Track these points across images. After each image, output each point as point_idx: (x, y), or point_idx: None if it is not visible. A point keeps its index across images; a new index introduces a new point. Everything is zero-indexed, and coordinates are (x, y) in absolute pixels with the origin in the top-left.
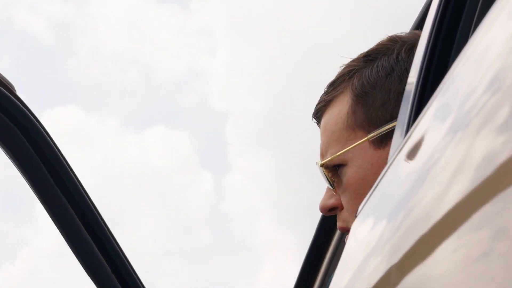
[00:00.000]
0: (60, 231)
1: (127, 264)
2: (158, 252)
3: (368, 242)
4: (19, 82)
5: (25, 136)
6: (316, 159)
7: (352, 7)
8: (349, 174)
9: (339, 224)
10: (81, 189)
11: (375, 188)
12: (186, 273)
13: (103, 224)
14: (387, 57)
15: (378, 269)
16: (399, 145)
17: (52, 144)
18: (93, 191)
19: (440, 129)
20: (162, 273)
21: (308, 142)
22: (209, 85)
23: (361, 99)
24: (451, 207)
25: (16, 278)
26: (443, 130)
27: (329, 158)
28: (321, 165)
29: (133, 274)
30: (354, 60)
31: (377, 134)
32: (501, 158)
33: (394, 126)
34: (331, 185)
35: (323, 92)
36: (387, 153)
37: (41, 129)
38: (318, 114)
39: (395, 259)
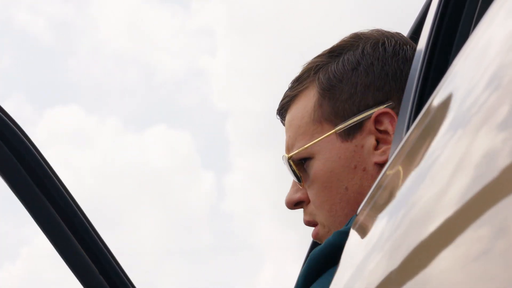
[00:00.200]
0: (44, 233)
1: (115, 264)
2: (158, 252)
3: (368, 241)
4: (19, 82)
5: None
6: None
7: (352, 7)
8: (316, 167)
9: (305, 218)
10: (63, 189)
11: (375, 187)
12: (186, 273)
13: (88, 224)
14: (353, 52)
15: (378, 267)
16: (400, 143)
17: (29, 144)
18: (94, 191)
19: (441, 127)
20: (162, 273)
21: None
22: (209, 85)
23: (328, 92)
24: (451, 205)
25: (16, 278)
26: (444, 128)
27: (296, 151)
28: (289, 158)
29: (122, 274)
30: (318, 56)
31: (344, 127)
32: (502, 155)
33: (361, 118)
34: (298, 178)
35: (287, 88)
36: (355, 146)
37: (15, 128)
38: (283, 110)
39: (395, 257)
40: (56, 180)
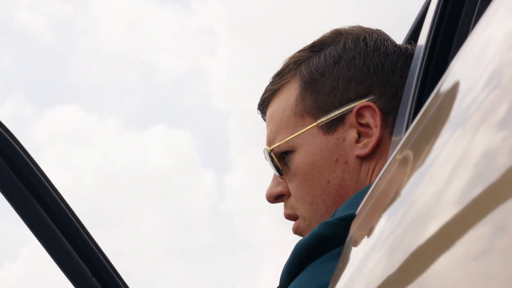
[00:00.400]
0: (35, 236)
1: (107, 265)
2: (158, 252)
3: (368, 240)
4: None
5: None
6: None
7: (352, 7)
8: (297, 159)
9: (285, 211)
10: (52, 189)
11: (374, 186)
12: (186, 273)
13: (78, 225)
14: (334, 46)
15: (378, 267)
16: (399, 142)
17: (17, 146)
18: (94, 191)
19: (440, 126)
20: (162, 273)
21: None
22: (209, 85)
23: (310, 85)
24: (451, 204)
25: (16, 278)
26: (443, 128)
27: (278, 144)
28: (270, 151)
29: (115, 275)
30: (299, 51)
31: (326, 120)
32: (501, 154)
33: (343, 111)
34: (279, 171)
35: (268, 83)
36: (336, 139)
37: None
38: (264, 104)
39: (395, 257)
40: (45, 181)
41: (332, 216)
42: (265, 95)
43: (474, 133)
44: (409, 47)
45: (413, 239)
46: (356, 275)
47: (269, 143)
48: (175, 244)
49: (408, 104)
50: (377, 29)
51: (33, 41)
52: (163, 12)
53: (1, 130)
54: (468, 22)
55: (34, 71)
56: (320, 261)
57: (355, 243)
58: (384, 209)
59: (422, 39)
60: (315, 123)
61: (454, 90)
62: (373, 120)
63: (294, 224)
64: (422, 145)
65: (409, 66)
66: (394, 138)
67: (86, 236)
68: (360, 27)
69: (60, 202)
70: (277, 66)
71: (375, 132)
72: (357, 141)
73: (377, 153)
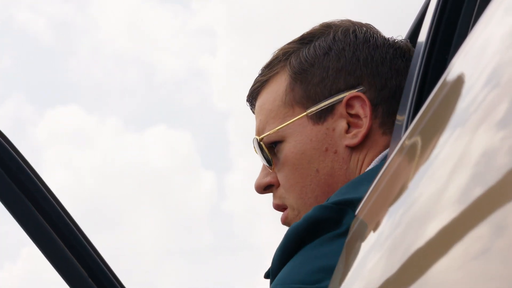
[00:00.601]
0: (31, 239)
1: (105, 268)
2: (159, 252)
3: (368, 239)
4: (20, 82)
5: None
6: None
7: (352, 7)
8: (287, 149)
9: (274, 201)
10: (47, 192)
11: (374, 185)
12: (186, 273)
13: (75, 228)
14: (324, 38)
15: (377, 265)
16: (399, 141)
17: (11, 150)
18: (94, 191)
19: (439, 125)
20: (162, 273)
21: None
22: (209, 85)
23: (300, 76)
24: (451, 204)
25: (17, 278)
26: (443, 127)
27: (267, 134)
28: (260, 140)
29: (112, 277)
30: (288, 44)
31: (316, 110)
32: (501, 153)
33: (333, 102)
34: (268, 161)
35: (257, 74)
36: (326, 128)
37: None
38: (254, 95)
39: (395, 255)
40: (39, 183)
41: (327, 201)
42: (254, 86)
43: (474, 133)
44: (398, 40)
45: (413, 239)
46: (357, 275)
47: (259, 133)
48: (175, 244)
49: (408, 103)
50: (366, 23)
51: (33, 41)
52: (163, 12)
53: None
54: (467, 22)
55: (34, 71)
56: (314, 245)
57: (356, 242)
58: (384, 208)
59: (422, 39)
60: (305, 113)
61: (453, 89)
62: (362, 110)
63: (283, 214)
64: (422, 144)
65: (398, 58)
66: (393, 137)
67: (82, 238)
68: (349, 21)
69: (56, 204)
70: None
71: (365, 122)
72: (347, 131)
73: (367, 143)
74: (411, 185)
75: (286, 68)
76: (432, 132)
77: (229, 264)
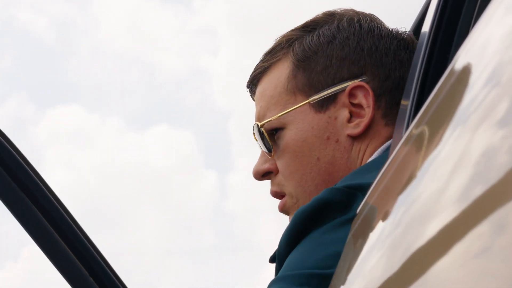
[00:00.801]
0: (32, 238)
1: (105, 266)
2: (160, 251)
3: (369, 238)
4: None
5: None
6: None
7: (352, 7)
8: (288, 136)
9: (272, 188)
10: (48, 192)
11: (375, 184)
12: (187, 273)
13: (75, 227)
14: (328, 26)
15: (379, 264)
16: (400, 141)
17: (10, 147)
18: (95, 190)
19: (441, 124)
20: (163, 273)
21: None
22: (211, 85)
23: (303, 63)
24: (452, 202)
25: (18, 278)
26: (444, 126)
27: (268, 120)
28: (261, 126)
29: (113, 276)
30: (291, 31)
31: (318, 98)
32: (501, 152)
33: (336, 90)
34: (268, 148)
35: (259, 61)
36: (328, 117)
37: None
38: (254, 81)
39: (396, 254)
40: (41, 182)
41: (342, 183)
42: (255, 72)
43: (475, 131)
44: (402, 32)
45: (414, 237)
46: (358, 273)
47: (259, 119)
48: (176, 244)
49: (409, 102)
50: (370, 13)
51: (34, 41)
52: (164, 12)
53: None
54: (468, 21)
55: (35, 71)
56: (324, 230)
57: (356, 241)
58: (385, 207)
59: (423, 38)
60: (307, 101)
61: (454, 88)
62: (365, 100)
63: (281, 201)
64: (422, 143)
65: (401, 49)
66: (395, 136)
67: (83, 237)
68: (353, 10)
69: (57, 203)
70: None
71: (368, 112)
72: (349, 121)
73: (369, 133)
74: (413, 183)
75: (289, 55)
76: (433, 131)
77: (230, 264)
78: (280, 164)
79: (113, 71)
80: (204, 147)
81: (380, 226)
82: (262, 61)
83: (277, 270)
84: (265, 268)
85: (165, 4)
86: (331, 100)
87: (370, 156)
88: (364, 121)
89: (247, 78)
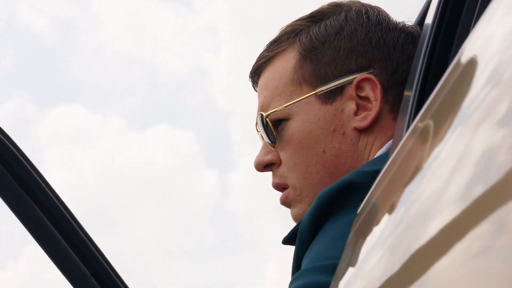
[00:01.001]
0: (34, 238)
1: (107, 266)
2: (161, 251)
3: (370, 237)
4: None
5: None
6: None
7: None
8: (293, 127)
9: (274, 180)
10: (49, 191)
11: (376, 184)
12: (188, 272)
13: (77, 226)
14: (335, 17)
15: (379, 264)
16: (400, 140)
17: (12, 146)
18: (96, 190)
19: (441, 124)
20: (164, 273)
21: None
22: (212, 84)
23: (310, 54)
24: (452, 202)
25: (19, 277)
26: (445, 126)
27: (273, 111)
28: (266, 117)
29: (114, 276)
30: (297, 21)
31: (325, 89)
32: (502, 152)
33: (343, 82)
34: (272, 139)
35: (263, 50)
36: (334, 109)
37: None
38: (258, 71)
39: (397, 254)
40: (42, 182)
41: (365, 166)
42: (259, 62)
43: (475, 131)
44: (409, 25)
45: (415, 237)
46: (358, 272)
47: (262, 109)
48: (177, 243)
49: (410, 102)
50: (376, 6)
51: (35, 41)
52: (166, 11)
53: None
54: (469, 21)
55: (36, 71)
56: (349, 215)
57: (357, 240)
58: (386, 207)
59: (423, 38)
60: (314, 92)
61: (455, 88)
62: (373, 93)
63: (283, 194)
64: (423, 143)
65: (409, 43)
66: (395, 136)
67: (84, 237)
68: (360, 2)
69: (58, 203)
70: None
71: (375, 105)
72: (356, 114)
73: (377, 127)
74: (413, 182)
75: (295, 45)
76: (434, 131)
77: (230, 264)
78: (284, 156)
79: (114, 71)
80: (205, 147)
81: (380, 225)
82: (266, 50)
83: (298, 248)
84: (266, 268)
85: (166, 4)
86: (338, 92)
87: (379, 149)
88: (372, 114)
89: (248, 78)
